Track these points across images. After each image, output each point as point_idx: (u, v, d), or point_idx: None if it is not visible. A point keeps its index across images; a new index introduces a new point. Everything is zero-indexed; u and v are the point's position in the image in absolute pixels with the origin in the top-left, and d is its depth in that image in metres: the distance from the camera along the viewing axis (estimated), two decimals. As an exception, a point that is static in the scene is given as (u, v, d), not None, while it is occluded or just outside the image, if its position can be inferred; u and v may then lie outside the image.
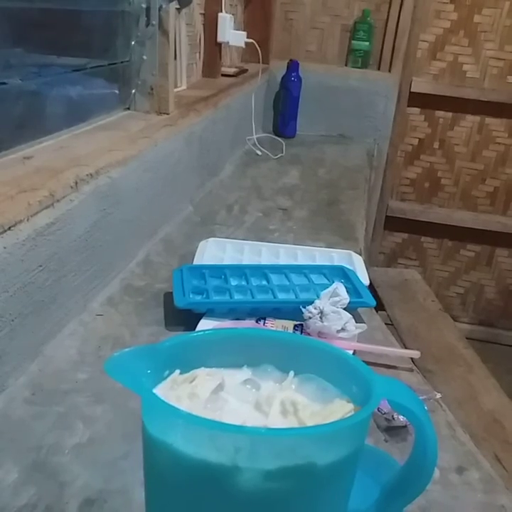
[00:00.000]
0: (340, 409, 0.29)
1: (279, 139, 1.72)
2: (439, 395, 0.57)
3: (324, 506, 0.28)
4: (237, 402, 0.30)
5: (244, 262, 0.83)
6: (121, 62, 0.94)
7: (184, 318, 0.69)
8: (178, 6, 1.05)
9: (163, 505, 0.30)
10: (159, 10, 0.90)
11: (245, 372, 0.33)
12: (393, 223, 2.14)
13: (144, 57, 0.93)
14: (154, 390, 0.30)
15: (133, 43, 0.93)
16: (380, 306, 1.62)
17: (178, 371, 0.31)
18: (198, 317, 0.68)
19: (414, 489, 0.31)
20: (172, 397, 0.29)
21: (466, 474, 0.51)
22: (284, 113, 1.83)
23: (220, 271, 0.76)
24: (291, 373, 0.32)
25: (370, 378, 0.29)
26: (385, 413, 0.54)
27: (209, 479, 0.26)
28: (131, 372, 0.28)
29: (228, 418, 0.29)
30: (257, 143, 1.57)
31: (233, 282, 0.74)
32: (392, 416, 0.53)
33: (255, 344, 0.34)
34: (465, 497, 0.48)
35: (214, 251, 0.86)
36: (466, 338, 1.55)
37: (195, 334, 0.33)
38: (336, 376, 0.31)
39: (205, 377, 0.31)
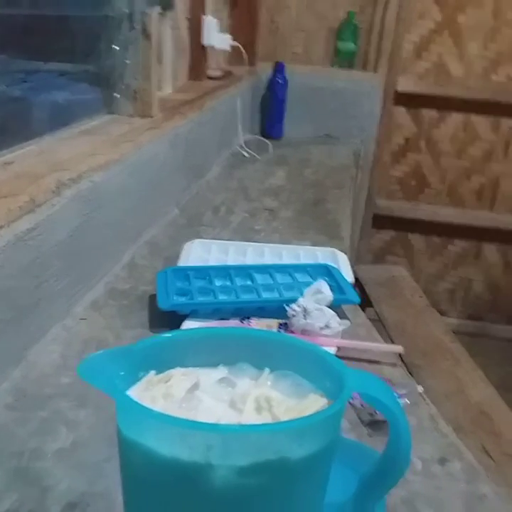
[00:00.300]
0: (314, 403, 0.29)
1: (265, 140, 1.73)
2: (421, 389, 0.57)
3: (299, 501, 0.29)
4: (212, 401, 0.30)
5: (229, 263, 0.83)
6: (105, 66, 0.94)
7: (169, 320, 0.69)
8: (160, 11, 1.05)
9: (140, 505, 0.30)
10: (142, 14, 0.90)
11: (221, 371, 0.33)
12: (381, 221, 2.16)
13: (127, 61, 0.93)
14: (129, 392, 0.30)
15: (116, 47, 0.93)
16: (367, 303, 1.63)
17: (153, 372, 0.32)
18: (182, 319, 0.68)
19: (391, 480, 0.32)
20: (147, 398, 0.30)
21: (448, 465, 0.51)
22: (270, 115, 1.84)
23: (204, 272, 0.77)
24: (267, 370, 0.33)
25: (342, 372, 0.29)
26: (367, 407, 0.54)
27: (183, 478, 0.27)
28: (104, 374, 0.29)
29: (203, 417, 0.29)
30: (243, 145, 1.58)
31: (217, 283, 0.74)
32: (375, 410, 0.54)
33: (231, 343, 0.34)
34: (447, 487, 0.49)
35: (199, 252, 0.86)
36: (456, 333, 1.57)
37: (169, 335, 0.33)
38: (311, 372, 0.32)
39: (180, 377, 0.31)
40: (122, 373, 0.29)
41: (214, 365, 0.34)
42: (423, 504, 0.47)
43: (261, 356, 0.33)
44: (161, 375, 0.32)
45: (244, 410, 0.29)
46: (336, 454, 0.31)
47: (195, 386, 0.31)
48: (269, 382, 0.32)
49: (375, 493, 0.33)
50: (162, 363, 0.32)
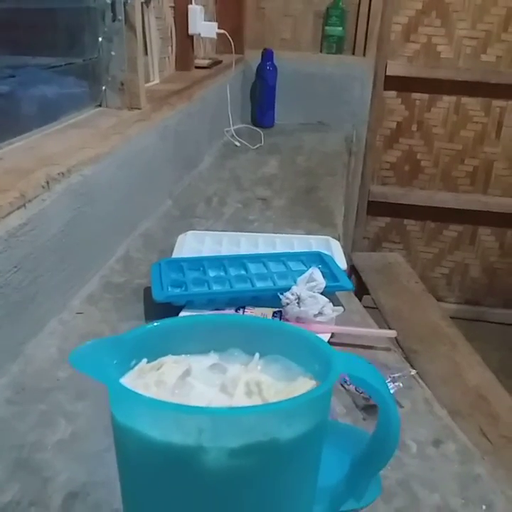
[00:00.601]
0: (303, 386, 0.30)
1: (257, 129, 1.72)
2: (414, 372, 0.58)
3: (290, 481, 0.29)
4: (204, 386, 0.31)
5: (223, 253, 0.84)
6: (90, 59, 0.94)
7: (164, 312, 0.69)
8: (143, 0, 1.04)
9: (136, 489, 0.31)
10: (124, 5, 0.90)
11: (212, 358, 0.34)
12: (376, 208, 2.16)
13: (112, 53, 0.93)
14: (121, 380, 0.30)
15: (100, 39, 0.93)
16: (364, 290, 1.63)
17: (145, 360, 0.32)
18: (177, 310, 0.69)
19: (381, 459, 0.32)
20: (139, 386, 0.30)
21: (442, 447, 0.52)
22: (261, 103, 1.83)
23: (198, 263, 0.77)
24: (257, 355, 0.33)
25: (330, 355, 0.30)
26: (362, 392, 0.55)
27: (176, 461, 0.27)
28: (96, 363, 0.29)
29: (194, 402, 0.29)
30: (235, 134, 1.57)
31: (212, 273, 0.75)
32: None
33: (221, 330, 0.34)
34: (442, 468, 0.50)
35: (193, 244, 0.87)
36: (454, 318, 1.58)
37: (159, 323, 0.34)
38: (300, 355, 0.32)
39: (171, 365, 0.32)
40: (115, 362, 0.30)
41: (205, 352, 0.34)
42: (418, 485, 0.48)
43: (251, 342, 0.34)
44: (152, 363, 0.32)
45: (234, 394, 0.30)
46: (327, 436, 0.31)
47: (187, 372, 0.31)
48: (259, 367, 0.33)
49: (366, 472, 0.34)
50: (153, 351, 0.33)
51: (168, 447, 0.27)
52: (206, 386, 0.31)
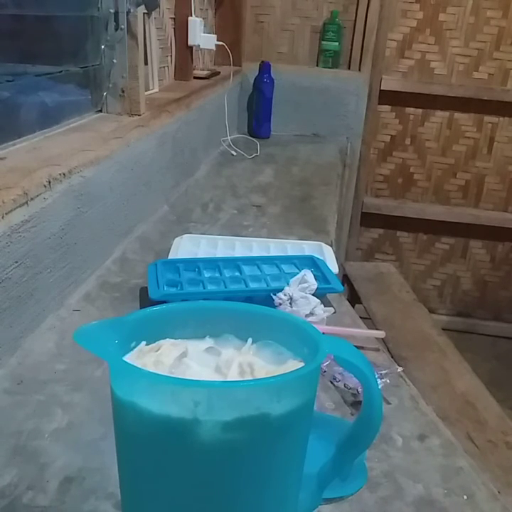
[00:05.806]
0: (293, 368, 0.32)
1: (253, 139, 1.75)
2: (400, 369, 0.60)
3: (280, 457, 0.31)
4: (199, 367, 0.33)
5: (218, 256, 0.86)
6: (92, 66, 0.96)
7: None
8: (145, 11, 1.07)
9: (134, 464, 0.32)
10: (127, 14, 0.92)
11: (207, 342, 0.36)
12: (369, 219, 2.19)
13: (114, 60, 0.95)
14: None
15: (103, 47, 0.95)
16: (356, 299, 1.65)
17: (144, 342, 0.34)
18: (173, 308, 0.70)
19: (367, 437, 0.34)
20: (138, 365, 0.32)
21: (427, 441, 0.54)
22: (257, 114, 1.86)
23: (193, 264, 0.79)
24: (250, 340, 0.35)
25: (318, 339, 0.32)
26: (350, 388, 0.57)
27: (172, 433, 0.29)
28: (99, 341, 0.31)
29: (190, 380, 0.31)
30: (231, 144, 1.60)
31: (207, 274, 0.76)
32: (357, 390, 0.56)
33: (216, 316, 0.36)
34: (426, 461, 0.52)
35: (188, 246, 0.89)
36: (445, 329, 1.60)
37: (159, 308, 0.36)
38: (290, 340, 0.34)
39: (169, 347, 0.34)
40: (116, 341, 0.31)
41: (201, 337, 0.36)
42: (402, 476, 0.50)
43: (244, 328, 0.36)
44: (151, 345, 0.34)
45: (228, 374, 0.32)
46: (313, 427, 0.33)
47: (183, 354, 0.33)
48: (251, 352, 0.35)
49: (352, 452, 0.35)
50: (152, 334, 0.35)
51: (166, 420, 0.29)
52: (201, 367, 0.33)
